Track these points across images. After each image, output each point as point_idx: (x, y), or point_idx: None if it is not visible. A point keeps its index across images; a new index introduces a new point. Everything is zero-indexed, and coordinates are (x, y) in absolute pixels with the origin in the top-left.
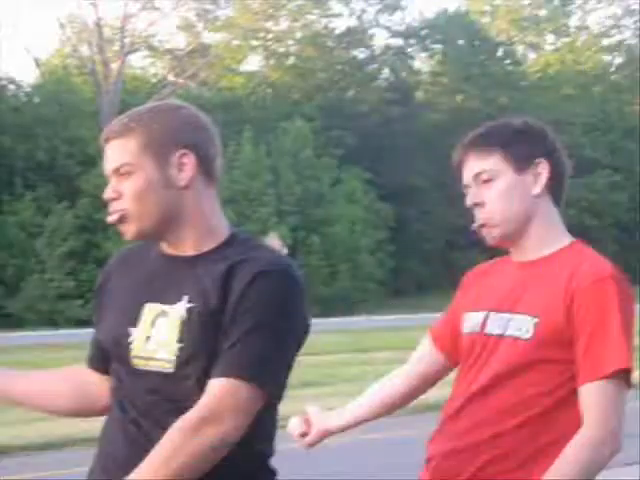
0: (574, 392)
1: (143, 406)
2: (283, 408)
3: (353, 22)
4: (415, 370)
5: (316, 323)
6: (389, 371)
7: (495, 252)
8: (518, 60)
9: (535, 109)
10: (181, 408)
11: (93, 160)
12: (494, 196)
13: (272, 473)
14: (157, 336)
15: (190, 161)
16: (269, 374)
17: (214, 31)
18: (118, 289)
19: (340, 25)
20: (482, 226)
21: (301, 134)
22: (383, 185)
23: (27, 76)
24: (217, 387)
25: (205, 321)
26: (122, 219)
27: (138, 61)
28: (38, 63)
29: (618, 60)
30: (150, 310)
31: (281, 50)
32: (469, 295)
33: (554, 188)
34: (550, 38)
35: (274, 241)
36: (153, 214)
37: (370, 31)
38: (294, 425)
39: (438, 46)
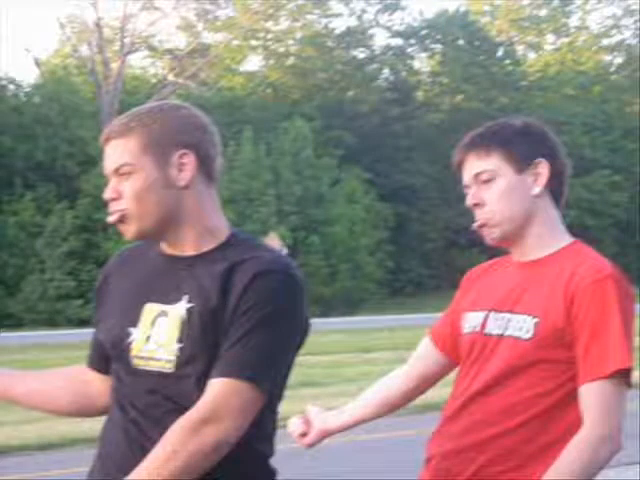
0: (574, 392)
1: (143, 406)
2: (283, 408)
3: (353, 22)
4: (415, 370)
5: (316, 323)
6: (389, 371)
7: (495, 252)
8: (518, 60)
9: (535, 109)
10: (181, 408)
11: (93, 160)
12: (494, 196)
13: (272, 473)
14: (157, 336)
15: (190, 161)
16: (269, 374)
17: (214, 31)
18: (118, 289)
19: (340, 25)
20: (482, 226)
21: (301, 134)
22: (383, 185)
23: (27, 76)
24: (217, 387)
25: (205, 321)
26: (122, 219)
27: (138, 61)
28: (38, 63)
29: (618, 60)
30: (150, 310)
31: (281, 50)
32: (469, 295)
33: (554, 188)
34: (550, 38)
35: (274, 241)
36: (153, 214)
37: (370, 31)
38: (294, 425)
39: (438, 46)
